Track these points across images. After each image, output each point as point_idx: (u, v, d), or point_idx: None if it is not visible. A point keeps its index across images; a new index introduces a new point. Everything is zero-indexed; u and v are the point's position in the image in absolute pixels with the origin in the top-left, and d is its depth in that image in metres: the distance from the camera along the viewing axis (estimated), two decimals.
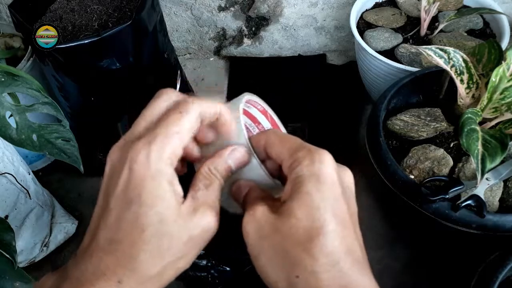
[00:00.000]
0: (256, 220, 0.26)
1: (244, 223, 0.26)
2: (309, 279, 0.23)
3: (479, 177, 0.52)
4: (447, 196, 0.58)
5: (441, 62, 0.61)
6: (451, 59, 0.61)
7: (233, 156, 0.29)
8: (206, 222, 0.27)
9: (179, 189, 0.27)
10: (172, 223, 0.25)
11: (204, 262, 0.58)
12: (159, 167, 0.25)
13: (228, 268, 0.58)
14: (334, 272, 0.23)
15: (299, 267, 0.23)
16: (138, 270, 0.24)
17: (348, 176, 0.28)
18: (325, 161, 0.26)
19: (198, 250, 0.27)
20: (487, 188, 0.60)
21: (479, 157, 0.53)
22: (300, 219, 0.24)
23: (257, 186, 0.29)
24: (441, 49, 0.62)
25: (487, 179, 0.61)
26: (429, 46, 0.62)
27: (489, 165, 0.52)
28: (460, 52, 0.62)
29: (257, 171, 0.30)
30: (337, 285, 0.23)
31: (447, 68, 0.61)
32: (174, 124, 0.26)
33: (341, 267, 0.24)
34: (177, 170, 0.27)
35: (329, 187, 0.25)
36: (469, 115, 0.58)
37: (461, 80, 0.62)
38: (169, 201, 0.25)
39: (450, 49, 0.61)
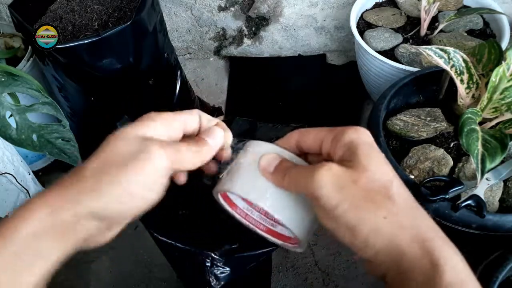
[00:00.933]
0: (334, 174, 0.28)
1: (319, 177, 0.28)
2: (393, 219, 0.27)
3: (479, 177, 0.52)
4: (447, 196, 0.58)
5: (441, 62, 0.61)
6: (451, 59, 0.61)
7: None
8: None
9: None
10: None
11: (204, 262, 0.58)
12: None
13: (227, 269, 0.58)
14: (411, 213, 0.28)
15: (384, 209, 0.27)
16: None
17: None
18: (366, 132, 0.30)
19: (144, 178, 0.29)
20: (487, 188, 0.60)
21: (479, 157, 0.53)
22: (374, 172, 0.28)
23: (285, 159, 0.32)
24: (441, 49, 0.62)
25: (487, 179, 0.60)
26: (429, 46, 0.62)
27: (489, 165, 0.52)
28: (460, 52, 0.62)
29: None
30: (413, 225, 0.27)
31: (447, 68, 0.61)
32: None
33: (414, 210, 0.28)
34: (179, 179, 0.32)
35: (378, 151, 0.29)
36: (469, 115, 0.58)
37: (461, 80, 0.62)
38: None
39: (450, 49, 0.61)
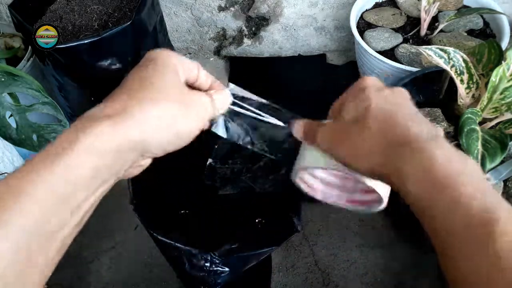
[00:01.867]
0: (329, 129, 0.34)
1: (318, 137, 0.34)
2: (368, 139, 0.30)
3: None
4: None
5: (441, 62, 0.61)
6: (451, 59, 0.61)
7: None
8: (202, 97, 0.32)
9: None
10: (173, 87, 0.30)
11: (203, 262, 0.58)
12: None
13: (227, 269, 0.58)
14: (383, 130, 0.30)
15: (361, 135, 0.31)
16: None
17: (396, 88, 0.34)
18: (368, 78, 0.34)
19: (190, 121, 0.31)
20: None
21: (479, 157, 0.53)
22: (349, 111, 0.33)
23: (309, 120, 0.38)
24: (441, 49, 0.62)
25: (487, 179, 0.60)
26: (429, 46, 0.62)
27: (489, 165, 0.52)
28: (460, 52, 0.62)
29: None
30: (387, 138, 0.29)
31: (447, 68, 0.61)
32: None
33: (387, 124, 0.30)
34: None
35: (371, 88, 0.33)
36: (469, 115, 0.58)
37: (461, 80, 0.62)
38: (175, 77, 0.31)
39: (450, 49, 0.61)
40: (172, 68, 0.31)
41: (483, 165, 0.52)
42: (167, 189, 0.69)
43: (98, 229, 0.94)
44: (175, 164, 0.70)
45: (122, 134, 0.26)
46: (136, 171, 0.31)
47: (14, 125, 0.66)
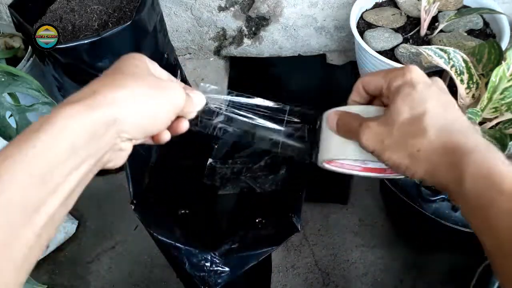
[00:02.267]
0: (372, 132, 0.33)
1: (362, 139, 0.33)
2: (426, 150, 0.31)
3: None
4: (447, 196, 0.58)
5: (441, 62, 0.61)
6: (451, 59, 0.61)
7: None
8: (176, 89, 0.33)
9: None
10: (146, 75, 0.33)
11: (203, 262, 0.58)
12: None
13: (227, 269, 0.58)
14: (443, 138, 0.31)
15: (417, 144, 0.31)
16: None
17: (437, 80, 0.34)
18: (414, 70, 0.33)
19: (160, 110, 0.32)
20: None
21: None
22: (405, 112, 0.32)
23: (345, 112, 0.37)
24: (441, 49, 0.62)
25: None
26: (429, 46, 0.62)
27: None
28: (460, 52, 0.62)
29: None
30: (445, 149, 0.30)
31: (447, 68, 0.61)
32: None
33: (447, 134, 0.31)
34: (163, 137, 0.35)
35: (422, 86, 0.32)
36: (469, 115, 0.58)
37: (461, 80, 0.62)
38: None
39: (450, 49, 0.61)
40: (144, 62, 0.34)
41: None
42: (167, 189, 0.69)
43: (98, 229, 0.94)
44: (175, 164, 0.70)
45: (95, 113, 0.27)
46: (119, 158, 0.32)
47: (14, 125, 0.66)
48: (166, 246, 0.58)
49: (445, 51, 0.61)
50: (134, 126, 0.30)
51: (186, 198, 0.68)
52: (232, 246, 0.59)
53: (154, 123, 0.32)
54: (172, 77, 0.37)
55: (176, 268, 0.71)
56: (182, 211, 0.66)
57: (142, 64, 0.33)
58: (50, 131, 0.25)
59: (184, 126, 0.36)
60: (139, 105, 0.30)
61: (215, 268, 0.58)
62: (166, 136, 0.35)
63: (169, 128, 0.35)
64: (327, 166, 0.40)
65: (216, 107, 0.40)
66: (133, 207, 0.62)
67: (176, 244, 0.58)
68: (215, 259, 0.58)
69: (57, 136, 0.26)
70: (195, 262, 0.58)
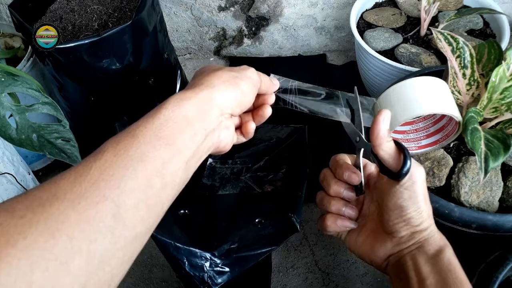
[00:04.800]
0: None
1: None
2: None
3: (482, 175, 0.52)
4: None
5: (448, 50, 0.60)
6: (459, 49, 0.60)
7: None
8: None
9: None
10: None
11: (203, 262, 0.58)
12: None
13: (227, 269, 0.58)
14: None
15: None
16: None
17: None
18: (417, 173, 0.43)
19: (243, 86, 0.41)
20: (487, 188, 0.61)
21: (482, 156, 0.53)
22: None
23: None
24: (452, 37, 0.61)
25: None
26: (442, 31, 0.62)
27: (492, 165, 0.52)
28: (469, 45, 0.61)
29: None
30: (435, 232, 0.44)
31: (453, 58, 0.60)
32: None
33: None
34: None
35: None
36: (472, 114, 0.57)
37: (463, 74, 0.61)
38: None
39: (460, 39, 0.61)
40: (210, 65, 0.43)
41: (486, 164, 0.53)
42: None
43: None
44: None
45: (198, 94, 0.36)
46: (227, 137, 0.40)
47: (14, 125, 0.66)
48: (165, 246, 0.58)
49: (455, 39, 0.61)
50: (230, 101, 0.38)
51: (185, 198, 0.68)
52: (232, 246, 0.59)
53: (243, 97, 0.40)
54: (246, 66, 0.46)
55: (175, 268, 0.71)
56: (182, 211, 0.66)
57: (211, 66, 0.42)
58: (170, 107, 0.34)
59: (267, 111, 0.45)
60: (228, 85, 0.38)
61: (215, 268, 0.58)
62: (251, 126, 0.44)
63: (255, 117, 0.45)
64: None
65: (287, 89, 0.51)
66: None
67: (176, 244, 0.58)
68: (214, 259, 0.58)
69: (174, 110, 0.34)
70: (195, 262, 0.58)
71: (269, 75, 0.48)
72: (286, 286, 0.81)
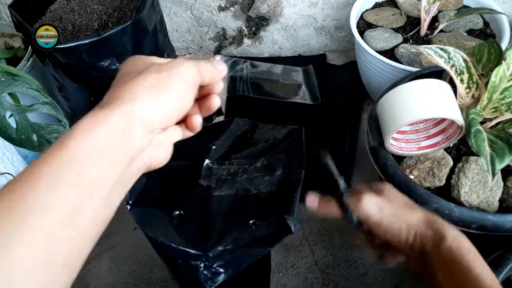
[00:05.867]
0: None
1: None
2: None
3: (490, 178, 0.52)
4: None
5: (441, 62, 0.61)
6: (451, 58, 0.61)
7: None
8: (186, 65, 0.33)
9: None
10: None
11: (198, 263, 0.58)
12: None
13: (221, 270, 0.58)
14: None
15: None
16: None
17: None
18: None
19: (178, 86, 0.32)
20: (487, 188, 0.61)
21: (488, 158, 0.53)
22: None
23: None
24: (441, 49, 0.61)
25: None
26: (430, 46, 0.62)
27: (498, 166, 0.52)
28: (460, 52, 0.61)
29: None
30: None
31: (447, 67, 0.61)
32: None
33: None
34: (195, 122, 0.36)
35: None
36: (473, 115, 0.57)
37: (461, 80, 0.62)
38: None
39: (450, 49, 0.61)
40: (141, 58, 0.35)
41: (493, 166, 0.52)
42: (163, 190, 0.69)
43: None
44: (171, 165, 0.70)
45: (115, 113, 0.28)
46: (161, 153, 0.33)
47: (14, 125, 0.66)
48: (161, 246, 0.58)
49: (445, 51, 0.61)
50: (158, 113, 0.30)
51: (181, 199, 0.68)
52: (226, 248, 0.59)
53: (176, 104, 0.32)
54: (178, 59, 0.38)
55: (171, 269, 0.71)
56: (177, 212, 0.66)
57: (141, 61, 0.34)
58: (79, 137, 0.27)
59: (215, 102, 0.37)
60: (154, 92, 0.30)
61: (210, 269, 0.58)
62: (197, 120, 0.36)
63: (201, 109, 0.37)
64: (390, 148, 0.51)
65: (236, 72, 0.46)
66: (128, 207, 0.62)
67: (171, 244, 0.58)
68: (209, 260, 0.58)
69: (84, 140, 0.27)
70: (190, 263, 0.58)
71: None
72: (286, 286, 0.81)
